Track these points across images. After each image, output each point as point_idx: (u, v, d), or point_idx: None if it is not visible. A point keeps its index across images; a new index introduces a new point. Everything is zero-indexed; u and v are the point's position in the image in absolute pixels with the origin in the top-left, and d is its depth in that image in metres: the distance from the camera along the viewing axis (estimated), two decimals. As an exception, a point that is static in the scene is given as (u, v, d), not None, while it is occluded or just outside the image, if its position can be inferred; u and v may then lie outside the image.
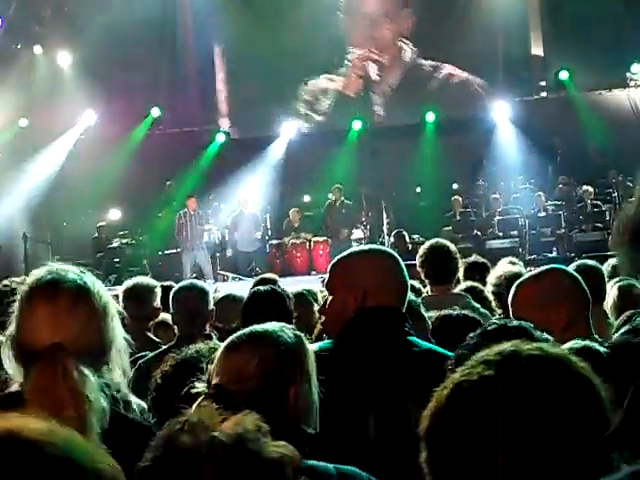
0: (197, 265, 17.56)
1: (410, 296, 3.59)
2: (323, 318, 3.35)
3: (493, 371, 1.29)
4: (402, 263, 3.22)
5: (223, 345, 2.38)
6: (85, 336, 2.27)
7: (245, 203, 18.51)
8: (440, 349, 3.05)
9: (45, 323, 2.26)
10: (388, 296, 3.10)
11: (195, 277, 15.80)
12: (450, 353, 2.75)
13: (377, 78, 21.90)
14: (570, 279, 3.49)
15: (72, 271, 2.38)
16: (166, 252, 19.03)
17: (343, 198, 18.58)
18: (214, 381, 2.26)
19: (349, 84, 22.05)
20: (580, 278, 3.49)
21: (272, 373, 2.26)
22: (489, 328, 2.50)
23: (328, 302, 3.19)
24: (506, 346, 1.35)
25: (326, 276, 3.30)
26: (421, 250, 5.74)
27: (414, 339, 3.04)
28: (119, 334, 2.40)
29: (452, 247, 5.75)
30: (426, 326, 3.88)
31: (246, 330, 2.39)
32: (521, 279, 3.53)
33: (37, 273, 2.37)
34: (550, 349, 1.36)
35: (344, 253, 3.31)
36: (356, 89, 22.07)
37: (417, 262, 5.68)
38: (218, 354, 2.34)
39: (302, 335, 2.41)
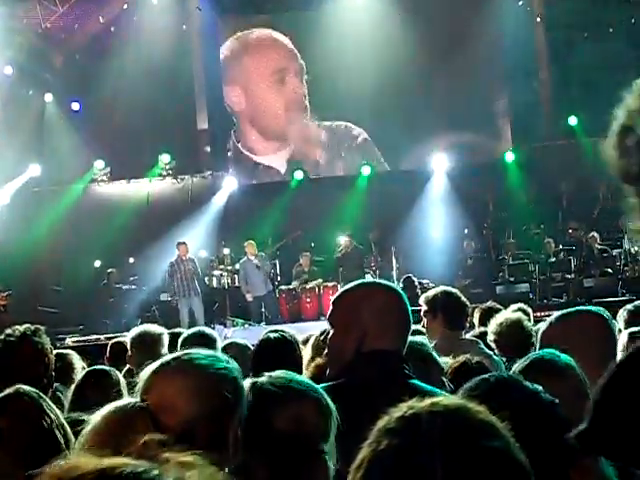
0: (191, 311, 17.54)
1: (423, 340, 3.57)
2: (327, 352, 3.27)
3: (398, 439, 1.26)
4: (406, 300, 3.14)
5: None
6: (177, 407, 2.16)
7: (250, 248, 18.44)
8: (441, 391, 2.98)
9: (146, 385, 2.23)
10: (388, 338, 3.01)
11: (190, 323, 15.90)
12: None
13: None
14: (599, 319, 3.42)
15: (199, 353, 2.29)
16: (161, 299, 19.04)
17: (355, 243, 18.63)
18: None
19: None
20: (611, 318, 3.41)
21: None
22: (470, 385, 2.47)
23: (329, 337, 3.14)
24: (405, 409, 1.32)
25: (330, 307, 3.24)
26: (431, 295, 5.70)
27: (416, 382, 2.97)
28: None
29: (458, 293, 5.71)
30: (440, 370, 3.85)
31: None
32: (550, 319, 3.45)
33: None
34: (446, 401, 1.33)
35: (349, 285, 3.23)
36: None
37: (427, 307, 5.65)
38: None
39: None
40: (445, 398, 1.35)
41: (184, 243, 17.89)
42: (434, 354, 3.94)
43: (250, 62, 22.19)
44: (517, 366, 2.69)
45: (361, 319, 3.03)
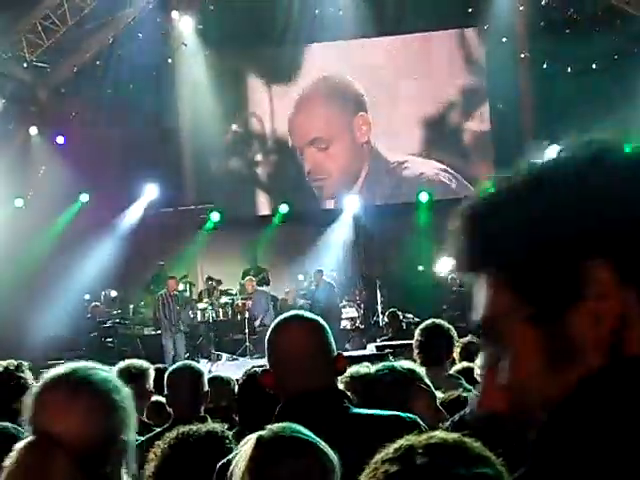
0: (174, 346, 17.45)
1: (413, 367, 3.54)
2: None
3: (397, 466, 1.26)
4: (325, 330, 2.83)
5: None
6: (84, 431, 2.11)
7: (250, 283, 18.38)
8: (384, 412, 2.75)
9: (46, 413, 2.13)
10: (311, 378, 2.72)
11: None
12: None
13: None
14: None
15: (86, 366, 2.26)
16: (145, 334, 18.95)
17: (325, 279, 18.51)
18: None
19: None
20: None
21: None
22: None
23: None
24: (402, 441, 1.33)
25: None
26: (417, 332, 5.66)
27: (356, 410, 2.74)
28: (127, 432, 2.20)
29: (446, 327, 5.66)
30: (431, 396, 3.73)
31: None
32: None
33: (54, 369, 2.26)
34: (444, 436, 1.33)
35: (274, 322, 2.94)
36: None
37: (413, 344, 5.63)
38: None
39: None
40: (441, 432, 1.35)
41: (174, 277, 17.85)
42: (425, 380, 3.85)
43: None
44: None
45: (274, 361, 2.82)
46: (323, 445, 2.24)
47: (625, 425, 0.89)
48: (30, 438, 2.11)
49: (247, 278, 18.41)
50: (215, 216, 21.68)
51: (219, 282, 19.94)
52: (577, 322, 0.96)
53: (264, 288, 18.77)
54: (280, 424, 2.28)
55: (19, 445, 2.10)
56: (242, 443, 2.28)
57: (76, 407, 2.10)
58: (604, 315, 0.95)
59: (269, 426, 2.28)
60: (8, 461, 2.07)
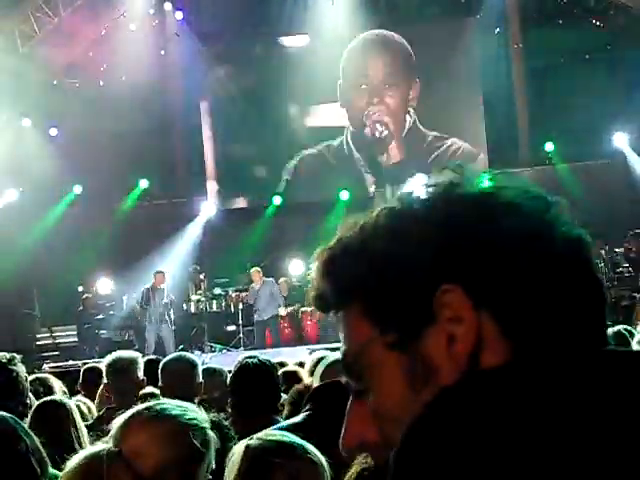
0: (161, 339, 17.50)
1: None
2: None
3: None
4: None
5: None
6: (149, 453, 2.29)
7: (257, 274, 18.36)
8: None
9: (121, 432, 2.36)
10: None
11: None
12: None
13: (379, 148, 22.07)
14: None
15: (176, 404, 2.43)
16: (139, 325, 18.99)
17: None
18: None
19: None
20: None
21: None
22: None
23: None
24: None
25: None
26: None
27: None
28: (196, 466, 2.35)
29: None
30: None
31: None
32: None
33: None
34: None
35: None
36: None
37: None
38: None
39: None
40: None
41: (162, 272, 17.90)
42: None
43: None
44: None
45: None
46: (312, 448, 2.27)
47: (469, 442, 0.92)
48: (97, 449, 2.27)
49: (254, 269, 18.38)
50: (209, 207, 21.68)
51: (197, 270, 19.84)
52: (432, 345, 1.02)
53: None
54: (266, 431, 2.35)
55: (84, 453, 2.28)
56: (230, 454, 2.34)
57: (144, 432, 2.27)
58: (458, 337, 1.01)
59: (255, 435, 2.34)
60: (70, 464, 2.26)
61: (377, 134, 21.72)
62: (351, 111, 21.95)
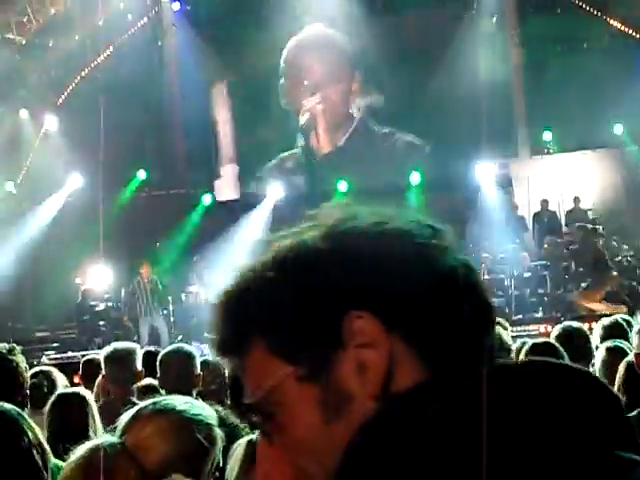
0: (155, 330, 17.48)
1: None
2: None
3: None
4: None
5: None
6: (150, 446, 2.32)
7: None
8: None
9: (127, 426, 2.39)
10: None
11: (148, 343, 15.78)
12: None
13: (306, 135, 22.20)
14: None
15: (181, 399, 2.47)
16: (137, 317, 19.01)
17: None
18: None
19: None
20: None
21: None
22: None
23: None
24: None
25: None
26: None
27: None
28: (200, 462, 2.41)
29: None
30: None
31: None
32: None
33: None
34: None
35: None
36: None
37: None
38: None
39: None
40: None
41: (146, 263, 17.91)
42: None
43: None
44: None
45: None
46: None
47: (397, 467, 0.97)
48: (100, 441, 2.29)
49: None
50: (207, 199, 21.63)
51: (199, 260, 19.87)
52: (345, 373, 1.03)
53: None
54: None
55: (88, 445, 2.30)
56: (232, 449, 2.35)
57: (149, 426, 2.29)
58: (370, 362, 1.03)
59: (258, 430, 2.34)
60: (75, 455, 2.28)
61: (303, 122, 22.04)
62: (294, 109, 22.20)
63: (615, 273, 16.62)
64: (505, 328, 5.87)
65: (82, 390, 4.96)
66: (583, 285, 16.43)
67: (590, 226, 18.05)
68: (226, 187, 22.35)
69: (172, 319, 17.75)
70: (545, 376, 1.02)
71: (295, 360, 1.06)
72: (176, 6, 21.87)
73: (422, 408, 0.99)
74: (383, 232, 1.10)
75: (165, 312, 17.81)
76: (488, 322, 1.12)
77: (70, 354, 16.28)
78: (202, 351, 10.48)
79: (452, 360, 1.05)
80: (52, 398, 4.68)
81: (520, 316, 16.89)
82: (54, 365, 9.13)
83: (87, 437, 3.83)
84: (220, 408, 3.40)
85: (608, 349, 5.18)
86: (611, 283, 16.43)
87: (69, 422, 4.30)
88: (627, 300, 16.07)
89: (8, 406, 2.85)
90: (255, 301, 1.09)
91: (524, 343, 5.42)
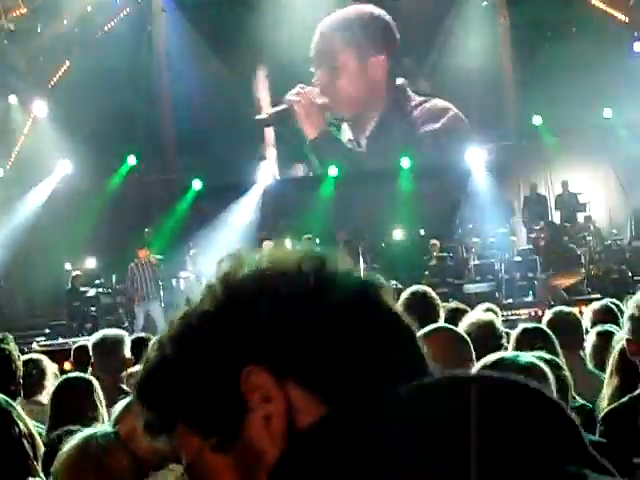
0: (151, 317, 17.49)
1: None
2: None
3: None
4: None
5: None
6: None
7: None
8: None
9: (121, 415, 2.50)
10: None
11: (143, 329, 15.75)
12: None
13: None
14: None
15: None
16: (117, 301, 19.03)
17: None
18: None
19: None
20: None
21: None
22: None
23: None
24: None
25: None
26: (401, 298, 5.54)
27: None
28: None
29: (432, 294, 5.49)
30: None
31: None
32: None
33: None
34: None
35: None
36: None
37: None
38: None
39: None
40: None
41: (143, 247, 17.87)
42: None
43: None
44: (478, 365, 2.74)
45: None
46: None
47: None
48: (94, 430, 2.36)
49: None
50: (197, 184, 21.55)
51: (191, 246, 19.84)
52: (253, 431, 1.06)
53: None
54: None
55: (82, 434, 2.35)
56: None
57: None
58: (272, 415, 1.05)
59: None
60: (69, 445, 2.33)
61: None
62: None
63: (583, 270, 16.77)
64: (496, 314, 5.84)
65: (87, 375, 4.96)
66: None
67: (558, 223, 18.21)
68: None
69: (162, 305, 17.72)
70: (462, 395, 1.00)
71: (206, 431, 1.09)
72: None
73: (308, 448, 1.01)
74: (263, 280, 1.12)
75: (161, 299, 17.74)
76: (398, 337, 1.12)
77: (61, 340, 16.26)
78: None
79: (354, 389, 1.05)
80: (57, 382, 4.69)
81: (510, 300, 16.93)
82: (44, 352, 9.12)
83: (93, 420, 3.86)
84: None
85: (599, 333, 5.21)
86: (577, 277, 16.61)
87: (77, 407, 4.31)
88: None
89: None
90: (162, 386, 1.14)
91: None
